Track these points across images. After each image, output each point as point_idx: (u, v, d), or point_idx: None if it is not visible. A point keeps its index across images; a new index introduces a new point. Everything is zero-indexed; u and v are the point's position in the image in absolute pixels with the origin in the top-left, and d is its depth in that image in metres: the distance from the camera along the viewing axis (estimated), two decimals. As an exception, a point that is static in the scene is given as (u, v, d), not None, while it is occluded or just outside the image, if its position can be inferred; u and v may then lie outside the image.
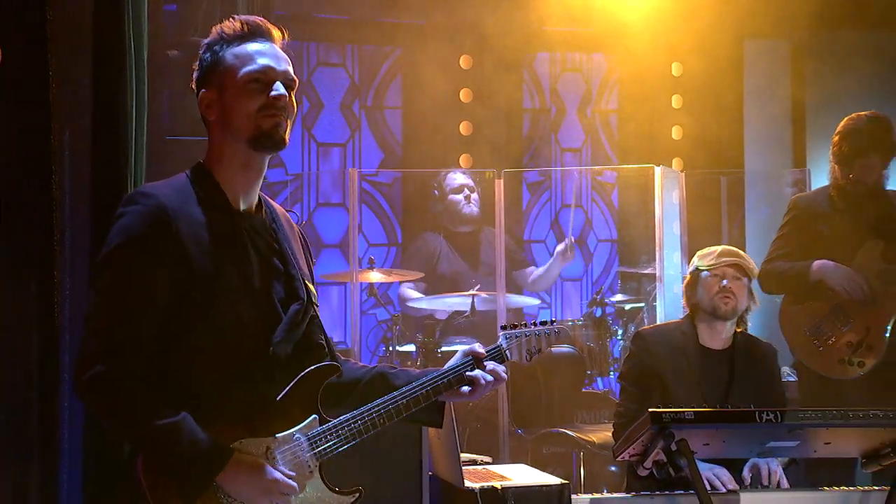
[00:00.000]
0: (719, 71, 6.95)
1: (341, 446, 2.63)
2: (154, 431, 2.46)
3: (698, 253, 4.37)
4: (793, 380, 5.41)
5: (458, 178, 6.42)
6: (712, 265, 4.22)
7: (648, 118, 7.07)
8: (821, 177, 5.75)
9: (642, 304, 6.33)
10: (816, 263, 4.98)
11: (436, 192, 6.45)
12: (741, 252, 4.31)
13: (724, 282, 4.19)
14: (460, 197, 6.38)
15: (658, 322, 5.65)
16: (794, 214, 5.16)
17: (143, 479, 2.48)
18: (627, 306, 6.40)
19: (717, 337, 4.24)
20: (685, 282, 4.35)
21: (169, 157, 3.97)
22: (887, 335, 4.88)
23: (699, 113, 7.01)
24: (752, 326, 6.54)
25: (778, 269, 5.07)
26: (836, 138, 5.06)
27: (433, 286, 6.26)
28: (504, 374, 2.84)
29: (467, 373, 2.79)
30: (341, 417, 2.64)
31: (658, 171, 6.00)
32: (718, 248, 4.31)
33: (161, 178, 2.70)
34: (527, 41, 6.90)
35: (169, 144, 4.12)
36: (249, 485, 2.49)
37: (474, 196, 6.35)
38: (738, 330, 4.29)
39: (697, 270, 4.27)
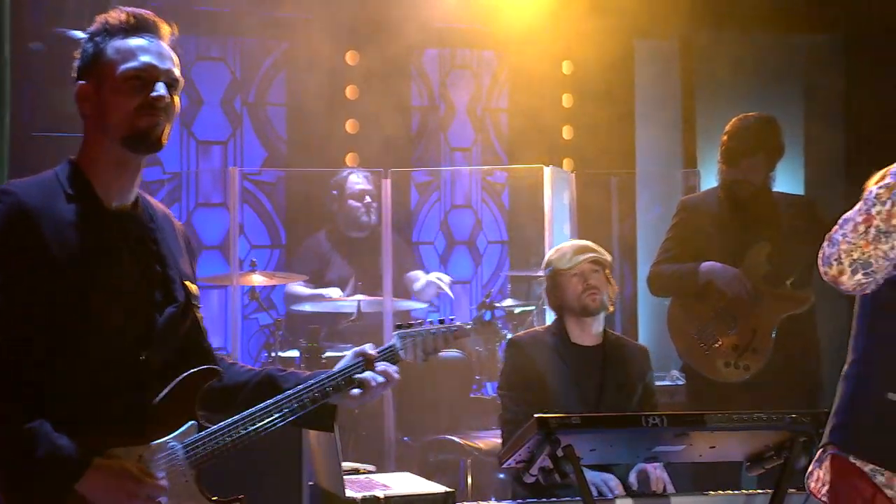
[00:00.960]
0: (610, 70, 7.06)
1: (219, 454, 2.61)
2: (8, 439, 2.42)
3: (550, 253, 4.51)
4: (681, 383, 5.55)
5: (359, 182, 6.42)
6: (571, 267, 4.35)
7: (539, 117, 7.16)
8: (711, 177, 5.89)
9: (532, 308, 6.40)
10: (704, 265, 5.09)
11: (334, 191, 6.45)
12: (590, 243, 4.47)
13: (587, 279, 4.32)
14: (360, 204, 6.39)
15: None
16: (682, 216, 5.27)
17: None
18: (517, 310, 6.47)
19: (587, 333, 4.40)
20: (546, 284, 4.46)
21: (36, 154, 3.90)
22: (773, 338, 5.01)
23: (590, 112, 7.11)
24: (642, 330, 6.74)
25: (666, 272, 5.18)
26: (724, 138, 5.19)
27: (315, 289, 6.26)
28: (396, 376, 2.83)
29: (357, 374, 2.77)
30: (221, 423, 2.63)
31: (548, 171, 6.09)
32: (570, 245, 4.48)
33: (28, 175, 2.65)
34: (415, 37, 6.94)
35: (36, 140, 4.06)
36: (112, 491, 2.46)
37: (374, 204, 6.36)
38: (608, 330, 4.46)
39: (556, 272, 4.39)
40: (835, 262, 2.37)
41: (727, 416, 3.50)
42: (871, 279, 2.39)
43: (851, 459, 2.56)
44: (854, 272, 2.36)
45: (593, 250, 4.42)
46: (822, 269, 2.40)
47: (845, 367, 2.64)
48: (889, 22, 5.76)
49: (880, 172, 2.54)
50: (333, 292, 6.17)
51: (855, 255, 2.36)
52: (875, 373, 2.57)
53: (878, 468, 2.53)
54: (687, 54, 7.40)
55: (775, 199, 5.18)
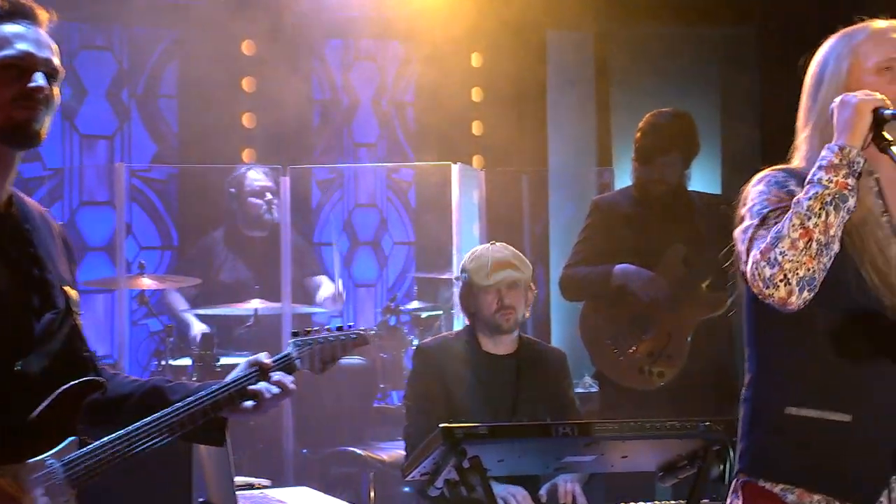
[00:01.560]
0: (521, 63, 7.09)
1: (101, 471, 2.57)
2: None
3: (467, 258, 4.45)
4: (594, 390, 5.60)
5: (259, 179, 6.38)
6: (488, 286, 4.31)
7: (447, 112, 7.18)
8: (626, 176, 5.96)
9: (440, 312, 6.43)
10: (618, 268, 5.13)
11: (232, 189, 6.39)
12: (511, 256, 4.40)
13: (503, 298, 4.31)
14: (261, 202, 6.35)
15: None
16: (596, 217, 5.31)
17: None
18: (424, 314, 6.49)
19: (501, 341, 4.39)
20: (459, 289, 4.45)
21: None
22: (688, 343, 5.08)
23: (500, 107, 7.13)
24: (555, 335, 6.80)
25: (578, 275, 5.22)
26: (638, 135, 5.24)
27: (211, 295, 6.20)
28: (292, 386, 2.80)
29: (251, 386, 2.74)
30: (104, 439, 2.58)
31: (456, 168, 6.12)
32: (489, 257, 4.37)
33: None
34: (316, 26, 6.92)
35: None
36: None
37: (276, 201, 6.32)
38: (524, 336, 4.47)
39: (472, 283, 4.36)
40: (781, 284, 2.37)
41: (639, 425, 3.55)
42: (812, 295, 2.41)
43: (761, 483, 2.58)
44: (801, 291, 2.38)
45: (513, 267, 4.35)
46: (764, 291, 2.39)
47: (743, 389, 2.67)
48: (804, 14, 5.86)
49: (758, 176, 2.59)
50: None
51: (801, 273, 2.37)
52: (770, 389, 2.60)
53: (787, 487, 2.55)
54: (602, 47, 7.47)
55: (691, 198, 5.24)
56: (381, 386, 6.15)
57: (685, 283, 5.11)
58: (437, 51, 7.12)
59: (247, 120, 6.99)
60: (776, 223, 2.44)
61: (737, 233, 2.56)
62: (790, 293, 2.36)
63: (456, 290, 5.96)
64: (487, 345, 4.37)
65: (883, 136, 2.46)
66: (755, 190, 2.56)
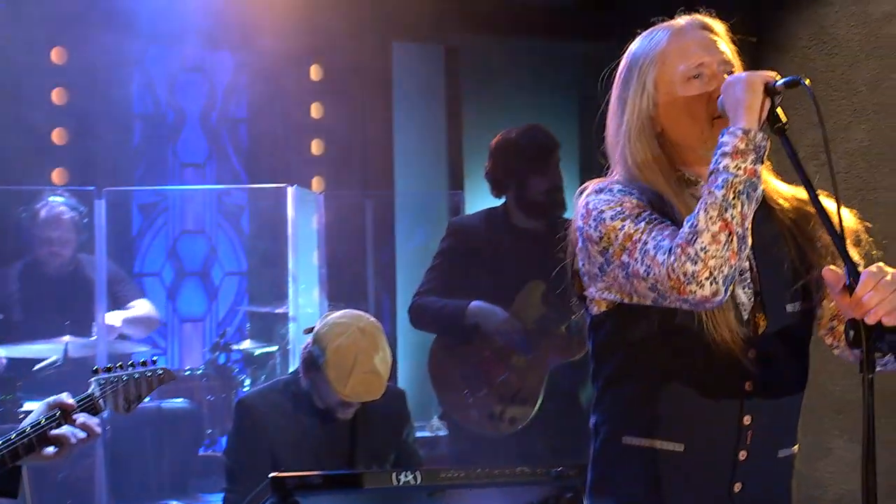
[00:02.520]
0: (365, 77, 7.09)
1: None
2: None
3: (326, 338, 4.15)
4: (443, 434, 5.59)
5: (57, 206, 6.15)
6: (342, 395, 4.07)
7: (283, 129, 7.13)
8: (480, 200, 5.95)
9: (275, 349, 6.36)
10: (473, 305, 5.12)
11: (25, 215, 6.18)
12: (378, 365, 4.14)
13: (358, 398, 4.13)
14: (59, 233, 6.13)
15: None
16: (451, 241, 5.30)
17: None
18: (258, 351, 6.42)
19: None
20: (304, 352, 4.20)
21: None
22: (543, 388, 5.08)
23: (342, 125, 7.12)
24: (402, 372, 6.77)
25: (431, 307, 5.19)
26: (489, 158, 5.27)
27: (12, 332, 5.99)
28: (98, 429, 2.80)
29: (52, 431, 2.71)
30: None
31: (292, 191, 6.07)
32: (352, 363, 4.10)
33: None
34: (135, 32, 6.78)
35: None
36: None
37: (80, 234, 6.13)
38: None
39: (325, 376, 4.10)
40: (707, 282, 2.37)
41: (488, 472, 3.55)
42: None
43: (605, 513, 2.64)
44: (726, 289, 2.39)
45: (376, 376, 4.10)
46: (686, 289, 2.38)
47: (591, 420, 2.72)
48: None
49: (591, 187, 2.62)
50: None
51: (726, 271, 2.37)
52: (610, 419, 2.65)
53: None
54: (454, 61, 7.51)
55: (557, 227, 5.22)
56: (209, 432, 6.05)
57: (544, 323, 5.11)
58: (272, 62, 7.06)
59: (57, 136, 6.80)
60: (663, 223, 2.46)
61: (598, 241, 2.55)
62: (716, 292, 2.37)
63: (294, 328, 5.94)
64: (318, 400, 4.21)
65: (777, 115, 2.46)
66: (599, 198, 2.57)
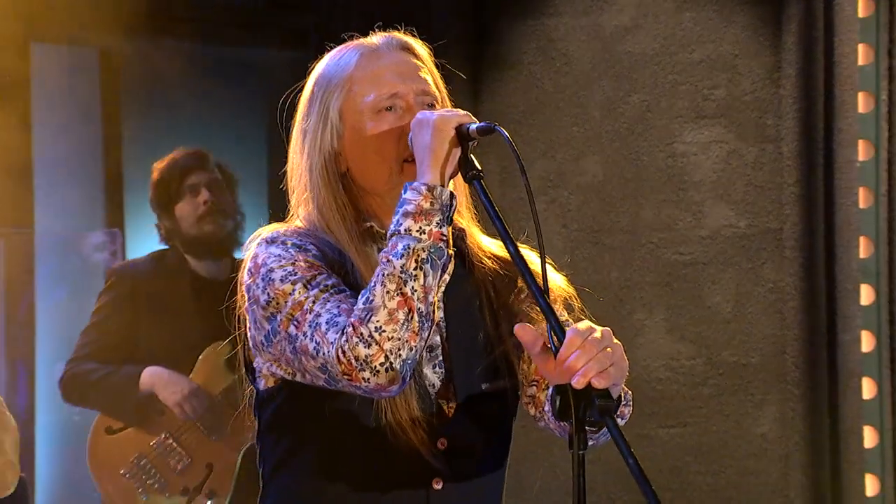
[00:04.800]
0: (-4, 89, 6.88)
1: None
2: None
3: None
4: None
5: None
6: None
7: None
8: (143, 238, 5.89)
9: None
10: (148, 371, 5.05)
11: None
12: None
13: None
14: None
15: None
16: (114, 294, 5.24)
17: None
18: None
19: None
20: None
21: None
22: (236, 475, 5.09)
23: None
24: (42, 464, 6.53)
25: (91, 376, 5.11)
26: (153, 183, 5.27)
27: None
28: None
29: None
30: None
31: None
32: None
33: None
34: None
35: None
36: None
37: None
38: None
39: None
40: (382, 369, 2.36)
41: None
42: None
43: None
44: (405, 377, 2.38)
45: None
46: (358, 376, 2.37)
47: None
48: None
49: (263, 236, 2.59)
50: None
51: (404, 354, 2.37)
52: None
53: None
54: (112, 69, 7.41)
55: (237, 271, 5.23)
56: None
57: (231, 394, 5.07)
58: None
59: None
60: (341, 292, 2.46)
61: (265, 306, 2.53)
62: (392, 380, 2.37)
63: None
64: None
65: (471, 161, 2.48)
66: (269, 252, 2.54)
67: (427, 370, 2.57)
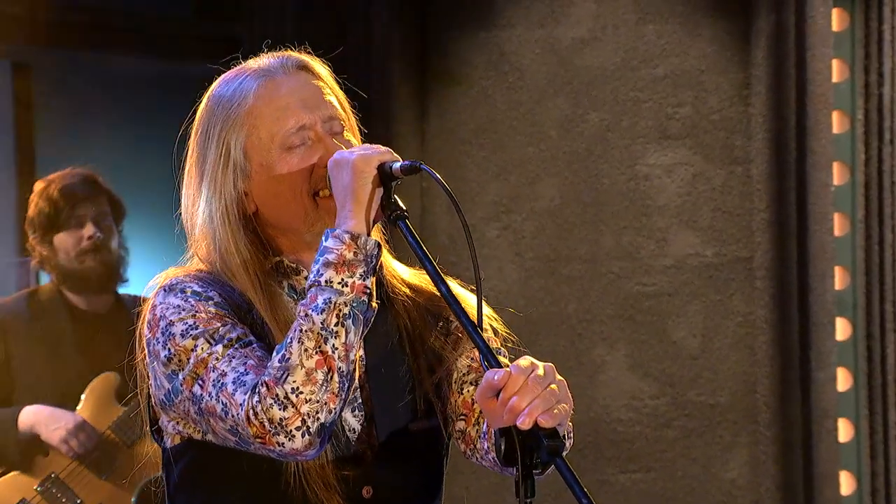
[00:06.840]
0: None
1: None
2: None
3: None
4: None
5: None
6: None
7: None
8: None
9: None
10: (28, 410, 4.93)
11: None
12: None
13: None
14: None
15: None
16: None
17: None
18: None
19: None
20: None
21: None
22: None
23: None
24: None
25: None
26: (34, 203, 5.07)
27: None
28: None
29: None
30: None
31: None
32: None
33: None
34: None
35: None
36: None
37: None
38: None
39: None
40: (298, 433, 2.29)
41: None
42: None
43: None
44: (322, 441, 2.32)
45: None
46: (272, 440, 2.30)
47: None
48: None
49: (162, 283, 2.48)
50: None
51: (322, 418, 2.30)
52: None
53: None
54: (27, 82, 7.26)
55: (123, 302, 5.15)
56: None
57: (122, 427, 4.97)
58: None
59: None
60: (248, 346, 2.40)
61: (166, 362, 2.44)
62: (309, 444, 2.32)
63: None
64: None
65: (394, 201, 2.43)
66: (168, 302, 2.46)
67: (346, 414, 2.49)
